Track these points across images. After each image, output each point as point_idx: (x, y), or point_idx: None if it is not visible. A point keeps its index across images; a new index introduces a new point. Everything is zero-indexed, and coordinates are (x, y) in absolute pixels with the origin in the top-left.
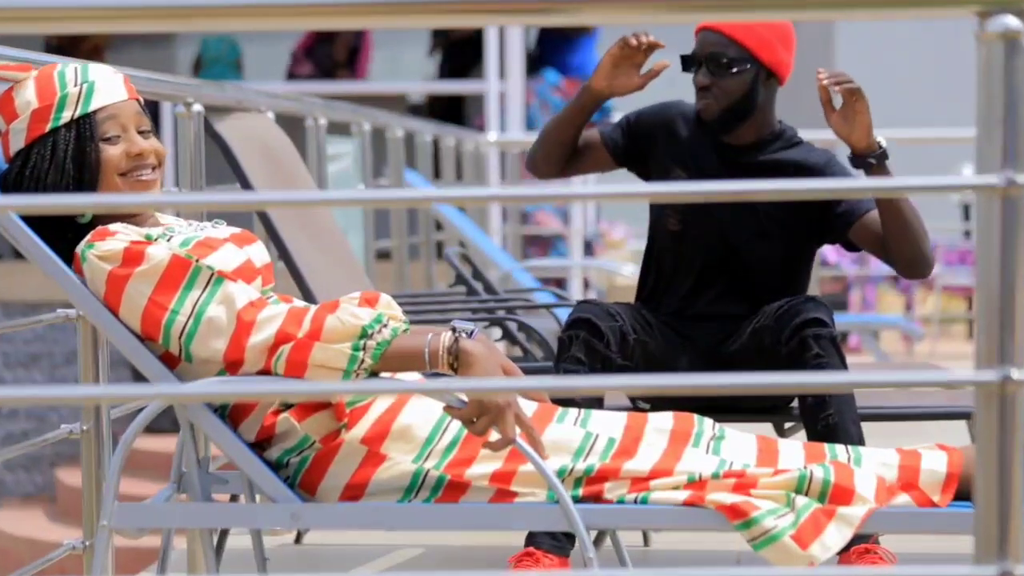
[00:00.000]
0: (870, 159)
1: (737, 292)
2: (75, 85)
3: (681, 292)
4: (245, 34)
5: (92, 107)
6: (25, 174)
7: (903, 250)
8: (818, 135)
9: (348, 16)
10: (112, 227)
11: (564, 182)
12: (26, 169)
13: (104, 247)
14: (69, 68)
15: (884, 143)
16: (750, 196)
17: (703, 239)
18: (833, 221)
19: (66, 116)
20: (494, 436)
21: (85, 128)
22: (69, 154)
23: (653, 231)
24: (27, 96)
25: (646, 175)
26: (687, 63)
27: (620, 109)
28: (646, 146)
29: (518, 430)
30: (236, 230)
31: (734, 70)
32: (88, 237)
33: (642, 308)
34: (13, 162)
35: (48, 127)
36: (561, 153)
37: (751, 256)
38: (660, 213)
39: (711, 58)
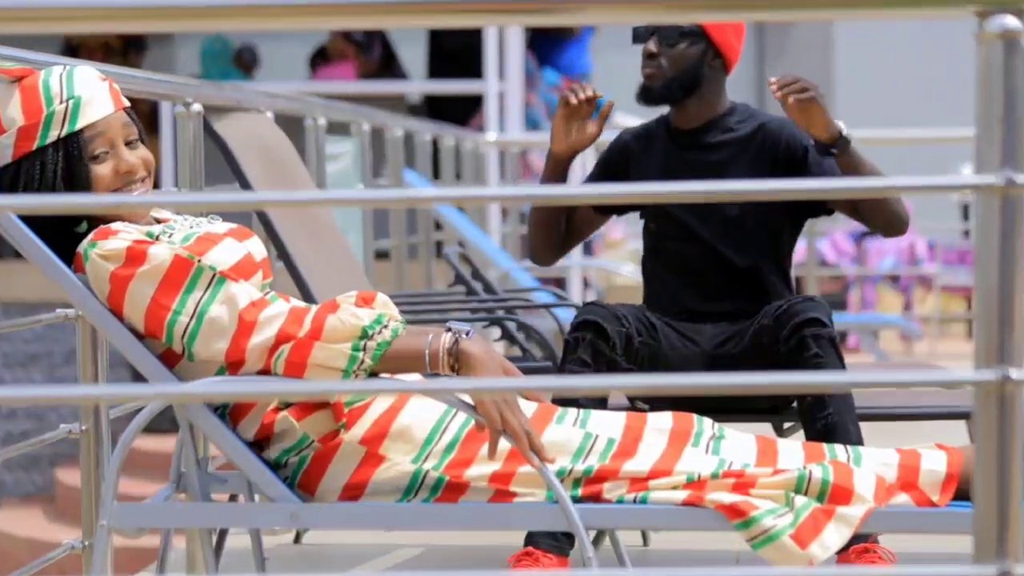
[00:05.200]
0: (832, 149)
1: (729, 286)
2: (61, 102)
3: (676, 293)
4: (262, 34)
5: (79, 125)
6: (16, 193)
7: (877, 216)
8: None
9: (348, 16)
10: (114, 225)
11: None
12: (16, 188)
13: (107, 246)
14: (54, 79)
15: (845, 130)
16: (746, 196)
17: (680, 237)
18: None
19: (53, 135)
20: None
21: (73, 148)
22: (59, 175)
23: (643, 236)
24: (12, 113)
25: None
26: (639, 35)
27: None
28: (625, 180)
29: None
30: (233, 225)
31: (684, 43)
32: (90, 236)
33: (646, 310)
34: (1, 177)
35: (35, 145)
36: (556, 232)
37: (731, 245)
38: (645, 217)
39: (664, 27)
